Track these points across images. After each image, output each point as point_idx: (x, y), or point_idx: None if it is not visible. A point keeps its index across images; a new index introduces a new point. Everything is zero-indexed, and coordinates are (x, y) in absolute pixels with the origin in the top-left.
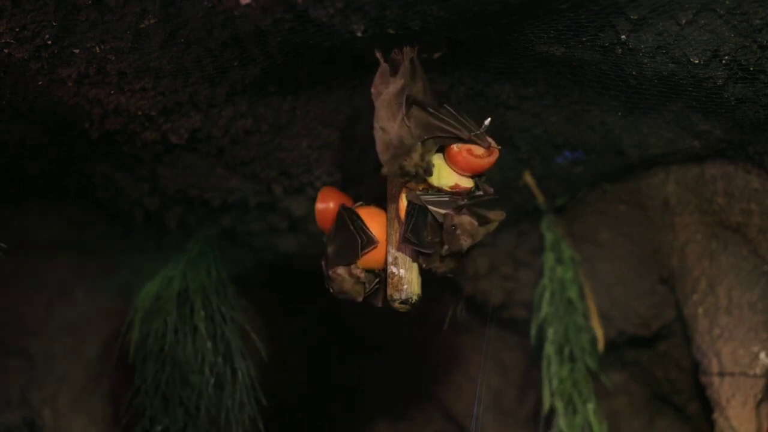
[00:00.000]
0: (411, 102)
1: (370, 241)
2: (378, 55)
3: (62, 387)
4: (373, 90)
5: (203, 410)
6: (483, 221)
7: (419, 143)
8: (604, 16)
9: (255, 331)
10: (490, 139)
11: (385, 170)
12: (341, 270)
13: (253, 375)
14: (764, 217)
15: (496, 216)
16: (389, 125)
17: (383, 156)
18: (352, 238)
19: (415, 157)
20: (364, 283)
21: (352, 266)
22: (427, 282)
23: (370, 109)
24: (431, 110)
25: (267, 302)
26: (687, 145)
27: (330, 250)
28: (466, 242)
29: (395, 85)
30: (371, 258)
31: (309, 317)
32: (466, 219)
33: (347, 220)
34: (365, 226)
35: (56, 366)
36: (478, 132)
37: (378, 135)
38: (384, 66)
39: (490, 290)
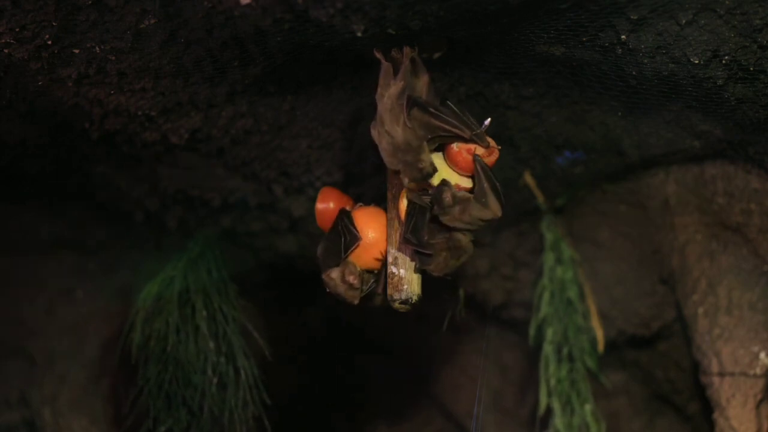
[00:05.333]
0: (412, 103)
1: (353, 239)
2: (378, 55)
3: (62, 387)
4: (378, 92)
5: (207, 410)
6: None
7: (425, 143)
8: (604, 16)
9: (256, 330)
10: (489, 139)
11: (405, 179)
12: (335, 274)
13: (256, 374)
14: (764, 217)
15: (494, 208)
16: (394, 129)
17: (391, 161)
18: (338, 238)
19: (426, 157)
20: (358, 288)
21: (346, 271)
22: (427, 282)
23: (370, 109)
24: (432, 110)
25: (267, 302)
26: (687, 145)
27: (319, 252)
28: (454, 221)
29: (395, 87)
30: (369, 258)
31: (309, 317)
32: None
33: (337, 222)
34: (351, 225)
35: (56, 366)
36: (478, 131)
37: (384, 140)
38: (386, 66)
39: (490, 290)
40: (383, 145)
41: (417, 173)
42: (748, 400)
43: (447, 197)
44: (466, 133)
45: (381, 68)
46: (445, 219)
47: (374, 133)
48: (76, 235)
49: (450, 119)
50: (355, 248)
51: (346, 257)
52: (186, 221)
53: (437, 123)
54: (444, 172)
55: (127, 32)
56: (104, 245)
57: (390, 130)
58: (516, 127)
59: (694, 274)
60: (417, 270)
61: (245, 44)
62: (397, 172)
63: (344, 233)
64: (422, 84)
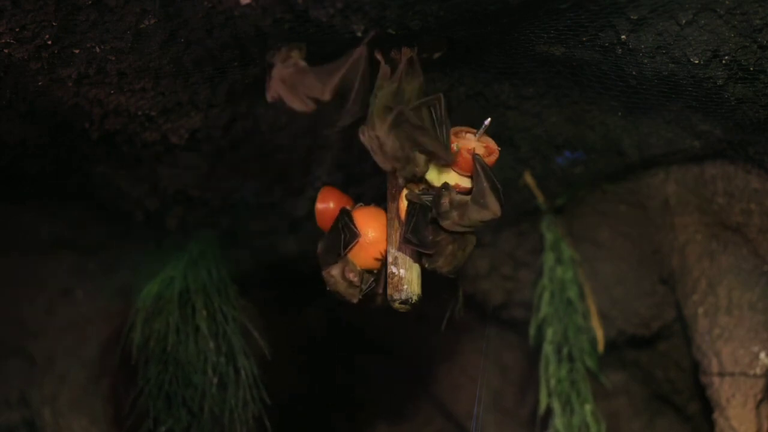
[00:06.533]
0: (399, 117)
1: (353, 236)
2: (379, 57)
3: (62, 387)
4: (373, 93)
5: (207, 410)
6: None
7: (414, 152)
8: (604, 16)
9: (256, 330)
10: (489, 139)
11: (400, 175)
12: (335, 272)
13: (256, 374)
14: (764, 217)
15: (494, 208)
16: (383, 135)
17: (385, 165)
18: (338, 235)
19: (421, 162)
20: (358, 287)
21: (346, 269)
22: (427, 282)
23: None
24: (418, 125)
25: (267, 302)
26: (687, 145)
27: (319, 249)
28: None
29: (387, 90)
30: (369, 258)
31: (309, 317)
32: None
33: (337, 220)
34: (351, 223)
35: (56, 366)
36: (450, 156)
37: (374, 143)
38: (385, 69)
39: (490, 290)
40: (373, 148)
41: (409, 174)
42: (748, 400)
43: (445, 202)
44: (447, 158)
45: (380, 70)
46: (445, 224)
47: (364, 137)
48: (76, 235)
49: (432, 136)
50: (354, 245)
51: (345, 254)
52: (186, 221)
53: (421, 139)
54: (444, 172)
55: (127, 32)
56: (104, 245)
57: (379, 134)
58: (516, 127)
59: (694, 274)
60: (426, 269)
61: (245, 44)
62: (394, 171)
63: (344, 231)
64: (415, 87)
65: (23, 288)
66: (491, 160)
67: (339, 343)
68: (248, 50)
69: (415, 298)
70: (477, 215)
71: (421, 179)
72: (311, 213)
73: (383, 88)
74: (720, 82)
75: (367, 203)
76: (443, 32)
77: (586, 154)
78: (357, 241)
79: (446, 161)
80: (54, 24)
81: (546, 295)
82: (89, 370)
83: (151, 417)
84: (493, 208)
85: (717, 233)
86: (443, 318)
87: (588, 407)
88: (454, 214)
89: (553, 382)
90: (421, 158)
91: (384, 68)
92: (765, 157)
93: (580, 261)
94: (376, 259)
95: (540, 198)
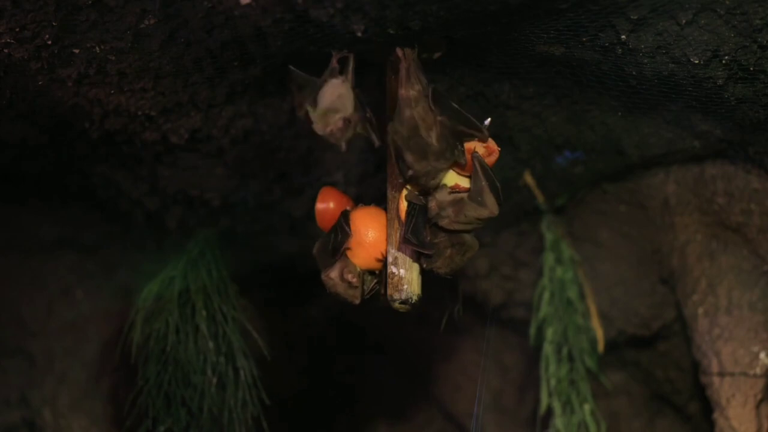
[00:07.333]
0: (444, 109)
1: (344, 236)
2: (399, 53)
3: (62, 387)
4: (403, 94)
5: (206, 410)
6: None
7: (455, 151)
8: (604, 16)
9: (256, 330)
10: (490, 139)
11: (419, 182)
12: (333, 274)
13: (256, 374)
14: (764, 217)
15: (491, 206)
16: (429, 135)
17: (419, 165)
18: (331, 236)
19: (441, 176)
20: (357, 287)
21: (345, 270)
22: (427, 282)
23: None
24: (458, 115)
25: (267, 302)
26: (687, 145)
27: (315, 250)
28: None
29: (415, 89)
30: (370, 258)
31: (309, 317)
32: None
33: (337, 221)
34: (345, 223)
35: (56, 366)
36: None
37: (419, 143)
38: (407, 65)
39: (490, 290)
40: (414, 148)
41: (432, 181)
42: (748, 400)
43: (432, 206)
44: (484, 135)
45: (402, 68)
46: (443, 223)
47: (396, 135)
48: (76, 235)
49: (471, 121)
50: (347, 245)
51: (339, 255)
52: (186, 221)
53: (462, 128)
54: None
55: (127, 32)
56: (104, 245)
57: (425, 134)
58: (516, 127)
59: (694, 274)
60: (424, 269)
61: (245, 44)
62: (399, 173)
63: (337, 231)
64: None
65: (23, 288)
66: (491, 160)
67: (339, 343)
68: (248, 50)
69: (415, 298)
70: (474, 212)
71: (434, 187)
72: (311, 213)
73: (413, 89)
74: (720, 82)
75: (367, 203)
76: (443, 32)
77: (586, 154)
78: (349, 241)
79: (484, 138)
80: (54, 24)
81: (546, 295)
82: (89, 370)
83: (150, 417)
84: (491, 206)
85: (717, 233)
86: (443, 318)
87: (588, 407)
88: (450, 211)
89: (553, 382)
90: (443, 173)
91: (407, 67)
92: (765, 157)
93: (580, 261)
94: (377, 260)
95: (540, 198)
